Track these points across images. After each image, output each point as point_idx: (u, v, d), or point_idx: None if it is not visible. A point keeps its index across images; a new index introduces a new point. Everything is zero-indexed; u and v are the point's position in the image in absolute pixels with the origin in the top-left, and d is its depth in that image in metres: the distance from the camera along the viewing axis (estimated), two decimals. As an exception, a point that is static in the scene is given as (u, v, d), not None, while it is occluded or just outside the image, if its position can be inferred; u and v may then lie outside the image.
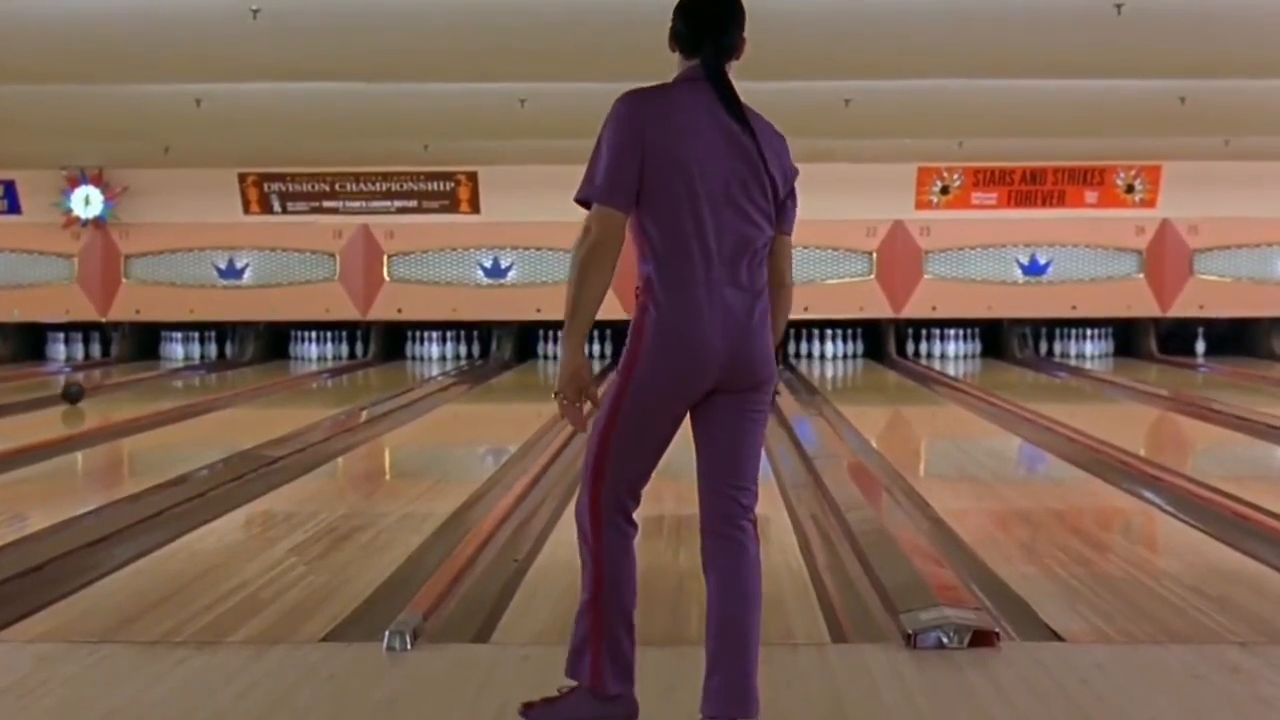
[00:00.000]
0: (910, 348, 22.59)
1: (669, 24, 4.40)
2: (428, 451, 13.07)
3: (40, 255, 22.52)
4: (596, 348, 21.93)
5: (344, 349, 23.09)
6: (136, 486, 9.98)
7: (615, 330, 21.54)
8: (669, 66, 4.38)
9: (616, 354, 21.46)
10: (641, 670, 4.37)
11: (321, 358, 23.00)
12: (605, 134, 4.27)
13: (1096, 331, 22.99)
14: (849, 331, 22.49)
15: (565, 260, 22.10)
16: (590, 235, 4.21)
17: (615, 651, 4.34)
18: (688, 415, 4.34)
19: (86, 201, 22.15)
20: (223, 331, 23.22)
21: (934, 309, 22.27)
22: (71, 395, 15.81)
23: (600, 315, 4.22)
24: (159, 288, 22.46)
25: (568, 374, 4.27)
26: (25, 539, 7.96)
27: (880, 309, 22.10)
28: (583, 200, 4.28)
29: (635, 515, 4.40)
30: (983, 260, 22.26)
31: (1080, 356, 22.77)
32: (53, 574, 7.06)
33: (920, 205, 22.08)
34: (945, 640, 5.41)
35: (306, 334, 23.18)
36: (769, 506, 8.79)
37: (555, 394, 4.30)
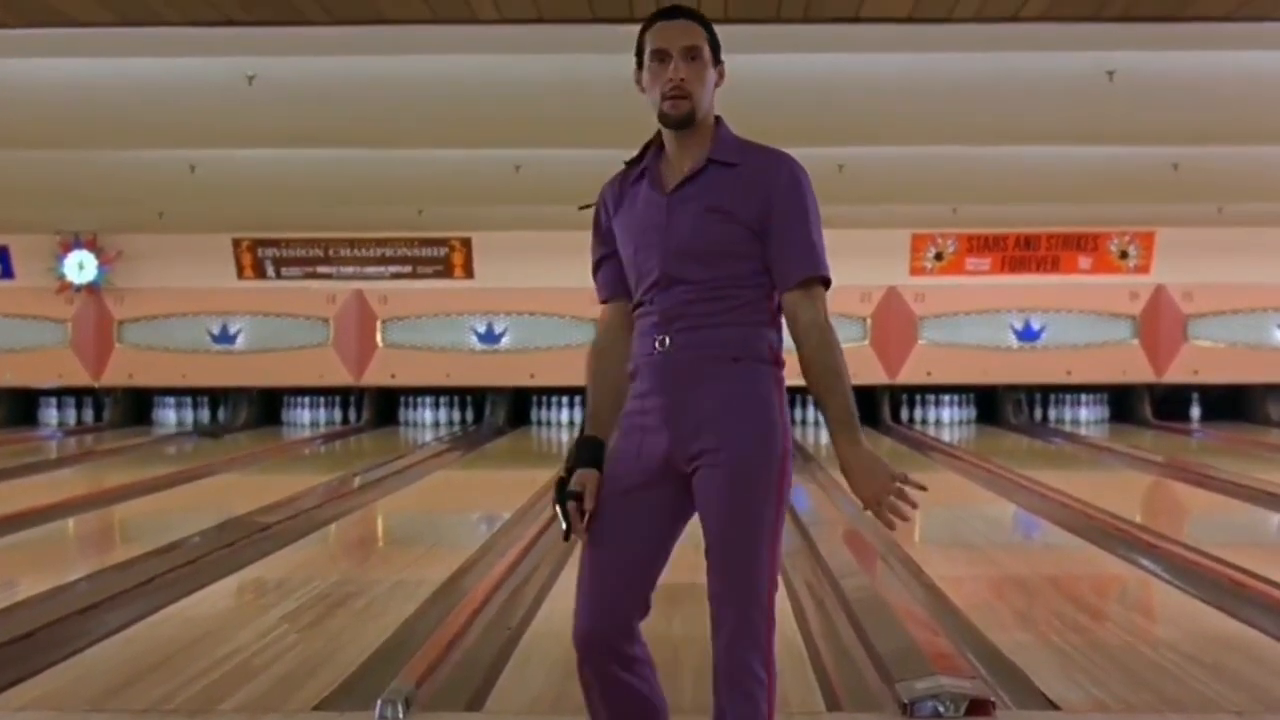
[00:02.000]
0: (905, 413, 22.59)
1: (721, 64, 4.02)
2: (421, 518, 13.02)
3: (33, 320, 22.49)
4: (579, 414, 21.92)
5: (337, 414, 23.05)
6: (128, 553, 9.94)
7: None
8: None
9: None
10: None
11: (314, 423, 22.95)
12: (813, 204, 3.93)
13: (1091, 397, 22.99)
14: (843, 397, 22.43)
15: (558, 326, 22.28)
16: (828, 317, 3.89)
17: None
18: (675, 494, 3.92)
19: (80, 267, 22.14)
20: (215, 397, 23.18)
21: (929, 374, 22.27)
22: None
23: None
24: (152, 352, 22.43)
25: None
26: (16, 605, 7.92)
27: (875, 375, 22.09)
28: (827, 280, 3.93)
29: None
30: (977, 326, 22.27)
31: (1075, 422, 22.76)
32: (44, 641, 7.01)
33: (915, 271, 22.12)
34: (941, 709, 5.37)
35: (299, 399, 23.13)
36: (764, 573, 8.75)
37: (882, 498, 3.81)
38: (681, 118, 3.88)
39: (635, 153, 4.10)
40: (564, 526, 3.86)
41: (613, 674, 3.84)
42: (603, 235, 4.09)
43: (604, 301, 4.13)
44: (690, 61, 3.87)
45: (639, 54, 3.97)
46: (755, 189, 3.86)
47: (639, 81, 3.98)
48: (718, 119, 4.00)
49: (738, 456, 3.79)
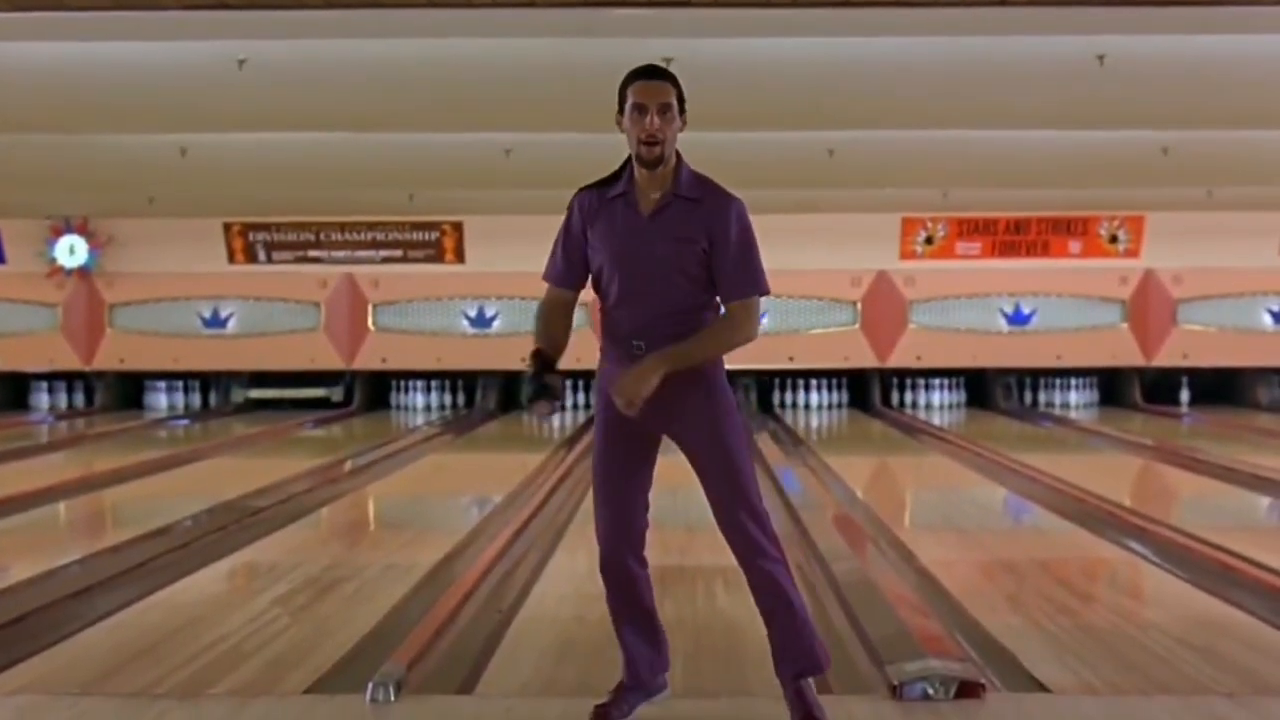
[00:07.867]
0: (895, 397, 22.58)
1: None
2: (411, 502, 13.03)
3: (24, 304, 22.44)
4: (581, 397, 21.92)
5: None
6: (119, 537, 9.93)
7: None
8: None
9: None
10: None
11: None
12: (753, 233, 4.98)
13: (1081, 381, 23.01)
14: (834, 381, 22.46)
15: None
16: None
17: None
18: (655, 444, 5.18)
19: (71, 251, 22.11)
20: (206, 381, 23.15)
21: (919, 359, 22.27)
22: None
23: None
24: (143, 337, 22.39)
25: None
26: (7, 590, 7.92)
27: (865, 358, 22.08)
28: (767, 291, 5.01)
29: None
30: (967, 310, 22.27)
31: (1065, 406, 22.78)
32: (35, 625, 7.02)
33: (905, 255, 22.10)
34: (931, 691, 5.39)
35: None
36: (754, 557, 8.75)
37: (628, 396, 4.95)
38: (653, 159, 4.94)
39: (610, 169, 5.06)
40: (535, 404, 5.35)
41: (629, 574, 5.09)
42: (574, 236, 5.19)
43: (553, 284, 5.42)
44: (663, 115, 4.91)
45: (621, 102, 4.97)
46: (711, 222, 4.96)
47: (619, 124, 4.99)
48: (677, 155, 4.99)
49: (698, 414, 5.05)
